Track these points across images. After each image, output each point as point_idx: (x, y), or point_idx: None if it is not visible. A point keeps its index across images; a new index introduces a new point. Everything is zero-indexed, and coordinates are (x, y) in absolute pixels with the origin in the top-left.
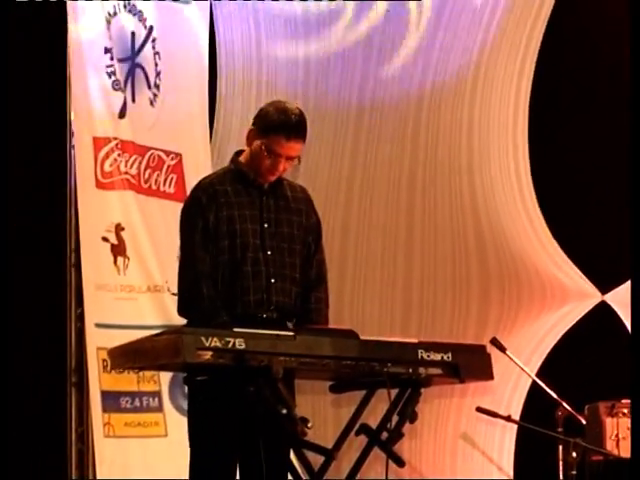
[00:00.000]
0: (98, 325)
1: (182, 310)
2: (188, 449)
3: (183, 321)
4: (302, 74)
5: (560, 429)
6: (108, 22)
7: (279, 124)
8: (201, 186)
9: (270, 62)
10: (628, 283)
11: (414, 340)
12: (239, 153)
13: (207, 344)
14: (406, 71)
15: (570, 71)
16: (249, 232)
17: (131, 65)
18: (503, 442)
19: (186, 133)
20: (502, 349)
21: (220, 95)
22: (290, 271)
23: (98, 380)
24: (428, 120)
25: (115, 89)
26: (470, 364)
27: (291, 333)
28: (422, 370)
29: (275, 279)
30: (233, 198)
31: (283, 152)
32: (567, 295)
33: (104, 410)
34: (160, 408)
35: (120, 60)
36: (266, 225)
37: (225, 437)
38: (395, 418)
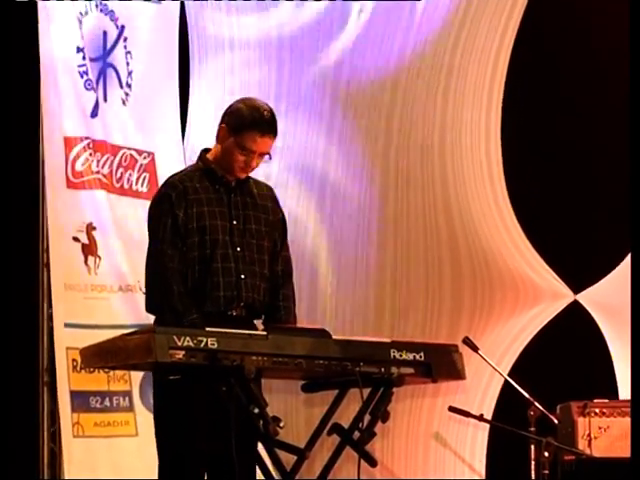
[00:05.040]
0: (68, 325)
1: (151, 307)
2: None
3: (152, 317)
4: (276, 71)
5: (532, 428)
6: (80, 22)
7: (252, 121)
8: (170, 183)
9: (243, 59)
10: (601, 282)
11: (387, 340)
12: (207, 151)
13: (179, 343)
14: (380, 56)
15: (547, 69)
16: (218, 228)
17: (103, 64)
18: (475, 442)
19: (158, 132)
20: (474, 349)
21: (192, 93)
22: (259, 267)
23: (67, 380)
24: (401, 114)
25: (87, 89)
26: (442, 364)
27: (263, 332)
28: (394, 369)
29: (245, 275)
30: (202, 195)
31: (257, 148)
32: (540, 295)
33: (73, 410)
34: (131, 408)
35: (92, 59)
36: (235, 222)
37: (196, 436)
38: (367, 417)
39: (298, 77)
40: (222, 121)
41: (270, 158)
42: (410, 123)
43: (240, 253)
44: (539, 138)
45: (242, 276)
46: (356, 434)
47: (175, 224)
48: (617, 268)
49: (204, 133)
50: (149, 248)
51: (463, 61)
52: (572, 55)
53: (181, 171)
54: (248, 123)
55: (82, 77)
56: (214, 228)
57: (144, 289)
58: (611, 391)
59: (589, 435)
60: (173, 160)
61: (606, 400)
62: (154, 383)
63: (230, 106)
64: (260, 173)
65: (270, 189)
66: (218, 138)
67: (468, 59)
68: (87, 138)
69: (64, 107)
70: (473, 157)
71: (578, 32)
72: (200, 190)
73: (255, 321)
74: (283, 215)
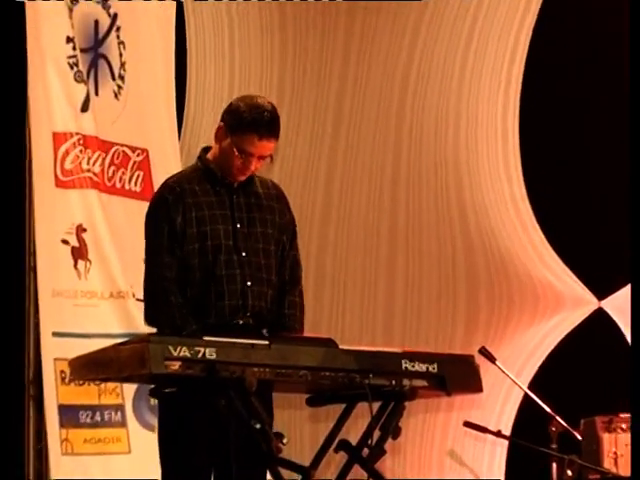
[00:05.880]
0: (56, 334)
1: (149, 319)
2: (153, 466)
3: (149, 329)
4: (277, 66)
5: (554, 445)
6: (70, 10)
7: (250, 122)
8: (167, 185)
9: (243, 53)
10: (627, 288)
11: (397, 349)
12: (207, 150)
13: (175, 354)
14: (390, 55)
15: (566, 61)
16: (221, 233)
17: (94, 55)
18: (493, 459)
19: (153, 127)
20: (492, 359)
21: (189, 88)
22: (266, 273)
23: (55, 393)
24: (412, 110)
25: (77, 81)
26: (457, 375)
27: (265, 342)
28: (406, 382)
29: (251, 282)
30: (202, 198)
31: (255, 152)
32: (562, 301)
33: (61, 425)
34: (123, 423)
35: (83, 50)
36: (238, 225)
37: (196, 454)
38: (377, 433)
39: (302, 68)
40: (221, 119)
41: (272, 161)
42: (422, 115)
43: (245, 258)
44: (560, 133)
45: (248, 283)
46: (365, 451)
47: (172, 230)
48: None
49: (202, 130)
50: (145, 257)
51: (479, 46)
52: (592, 47)
53: (180, 172)
54: (246, 124)
55: (72, 69)
56: (216, 233)
57: (137, 296)
58: None
59: (615, 452)
60: (169, 158)
61: None
62: (151, 396)
63: (230, 104)
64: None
65: (277, 187)
66: (217, 137)
67: (483, 54)
68: (77, 134)
69: (53, 100)
70: (489, 153)
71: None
72: (199, 192)
73: (263, 331)
74: (292, 215)
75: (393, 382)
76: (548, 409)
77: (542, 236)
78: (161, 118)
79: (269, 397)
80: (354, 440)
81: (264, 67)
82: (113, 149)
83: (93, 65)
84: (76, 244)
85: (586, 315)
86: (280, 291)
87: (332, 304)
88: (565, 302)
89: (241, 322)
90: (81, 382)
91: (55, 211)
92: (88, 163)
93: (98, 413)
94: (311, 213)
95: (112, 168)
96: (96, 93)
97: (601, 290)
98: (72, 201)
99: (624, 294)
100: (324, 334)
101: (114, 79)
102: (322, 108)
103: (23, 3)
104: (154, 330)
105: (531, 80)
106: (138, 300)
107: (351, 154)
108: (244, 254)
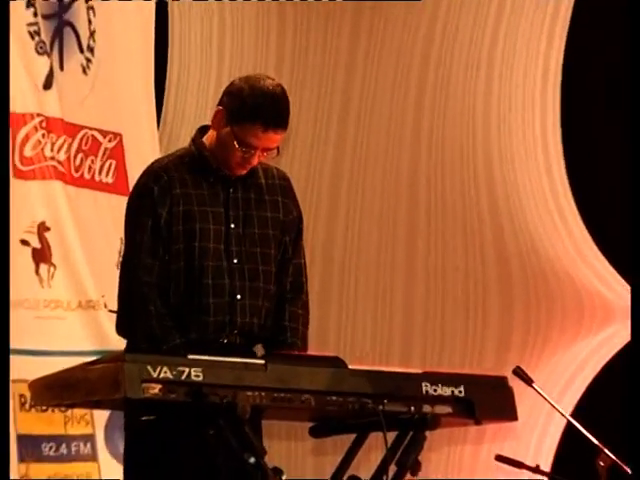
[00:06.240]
0: (14, 351)
1: (122, 328)
2: None
3: (123, 346)
4: (275, 39)
5: None
6: None
7: (255, 110)
8: (153, 172)
9: (236, 22)
10: None
11: (417, 370)
12: (203, 131)
13: (155, 375)
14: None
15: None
16: (210, 234)
17: (59, 23)
18: None
19: (128, 108)
20: (528, 381)
21: (172, 61)
22: (264, 282)
23: (13, 421)
24: (434, 95)
25: (39, 53)
26: (488, 400)
27: (261, 361)
28: (427, 408)
29: (242, 295)
30: (192, 189)
31: (259, 144)
32: (611, 313)
33: (21, 459)
34: (94, 456)
35: (45, 17)
36: (232, 225)
37: None
38: (393, 469)
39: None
40: (220, 102)
41: (278, 153)
42: (445, 99)
43: (237, 266)
44: (608, 119)
45: (238, 296)
46: None
47: (156, 226)
48: None
49: (184, 114)
50: (124, 255)
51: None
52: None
53: (168, 156)
54: (249, 112)
55: (33, 38)
56: (205, 233)
57: (110, 307)
58: None
59: None
60: (146, 144)
61: None
62: (125, 425)
63: (232, 83)
64: None
65: (283, 177)
66: (213, 123)
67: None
68: (39, 115)
69: (10, 76)
70: (525, 142)
71: None
72: (190, 183)
73: (255, 348)
74: (299, 213)
75: (412, 408)
76: (595, 440)
77: (588, 236)
78: (138, 97)
79: (258, 426)
80: (366, 477)
81: (259, 38)
82: (81, 133)
83: (57, 34)
84: (38, 245)
85: None
86: (280, 301)
87: (340, 315)
88: (615, 314)
89: (226, 341)
90: (44, 408)
91: (13, 206)
92: (52, 150)
93: (64, 445)
94: (316, 207)
95: (80, 156)
96: (61, 67)
97: None
98: (33, 194)
99: None
100: (330, 352)
101: (82, 51)
102: (328, 83)
103: None
104: (125, 342)
105: (572, 59)
106: (111, 311)
107: (362, 145)
108: (236, 261)
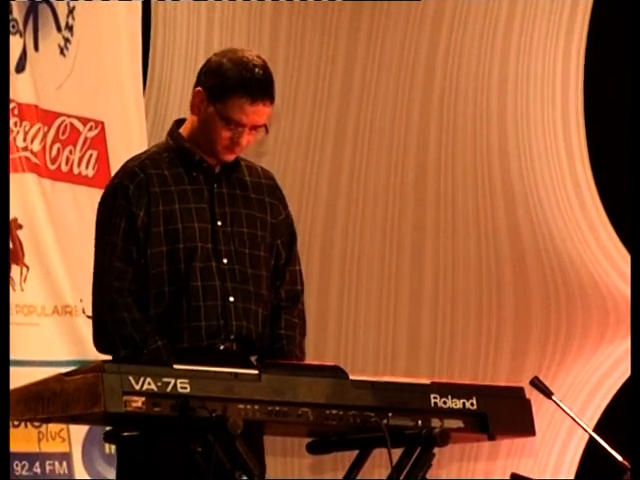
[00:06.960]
0: None
1: (100, 345)
2: None
3: (103, 355)
4: (269, 12)
5: None
6: None
7: (240, 82)
8: (127, 170)
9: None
10: None
11: (425, 381)
12: (180, 123)
13: (137, 387)
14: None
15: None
16: (196, 233)
17: None
18: None
19: (112, 94)
20: (547, 393)
21: (156, 41)
22: (254, 286)
23: None
24: (443, 84)
25: (11, 32)
26: (503, 414)
27: (254, 371)
28: (436, 422)
29: (235, 297)
30: (173, 187)
31: (247, 120)
32: None
33: None
34: (70, 475)
35: None
36: (219, 223)
37: None
38: None
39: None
40: (197, 83)
41: (267, 132)
42: (457, 86)
43: (227, 266)
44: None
45: (230, 298)
46: None
47: (132, 228)
48: None
49: (173, 99)
50: (94, 261)
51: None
52: None
53: (144, 152)
54: (233, 85)
55: None
56: (190, 233)
57: (88, 312)
58: None
59: None
60: (132, 133)
61: None
62: (106, 441)
63: (208, 61)
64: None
65: (269, 177)
66: (193, 107)
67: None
68: (11, 101)
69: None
70: (545, 134)
71: None
72: (170, 179)
73: (251, 358)
74: (289, 214)
75: (419, 422)
76: (620, 457)
77: (614, 234)
78: (124, 82)
79: (259, 441)
80: None
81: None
82: (58, 121)
83: (32, 11)
84: (9, 245)
85: None
86: (275, 310)
87: (340, 322)
88: None
89: (222, 347)
90: (16, 423)
91: None
92: (25, 139)
93: (38, 463)
94: (313, 208)
95: (57, 146)
96: (36, 48)
97: None
98: None
99: None
100: (330, 361)
101: (60, 30)
102: (328, 61)
103: None
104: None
105: (596, 47)
106: (89, 317)
107: (364, 136)
108: (225, 261)
